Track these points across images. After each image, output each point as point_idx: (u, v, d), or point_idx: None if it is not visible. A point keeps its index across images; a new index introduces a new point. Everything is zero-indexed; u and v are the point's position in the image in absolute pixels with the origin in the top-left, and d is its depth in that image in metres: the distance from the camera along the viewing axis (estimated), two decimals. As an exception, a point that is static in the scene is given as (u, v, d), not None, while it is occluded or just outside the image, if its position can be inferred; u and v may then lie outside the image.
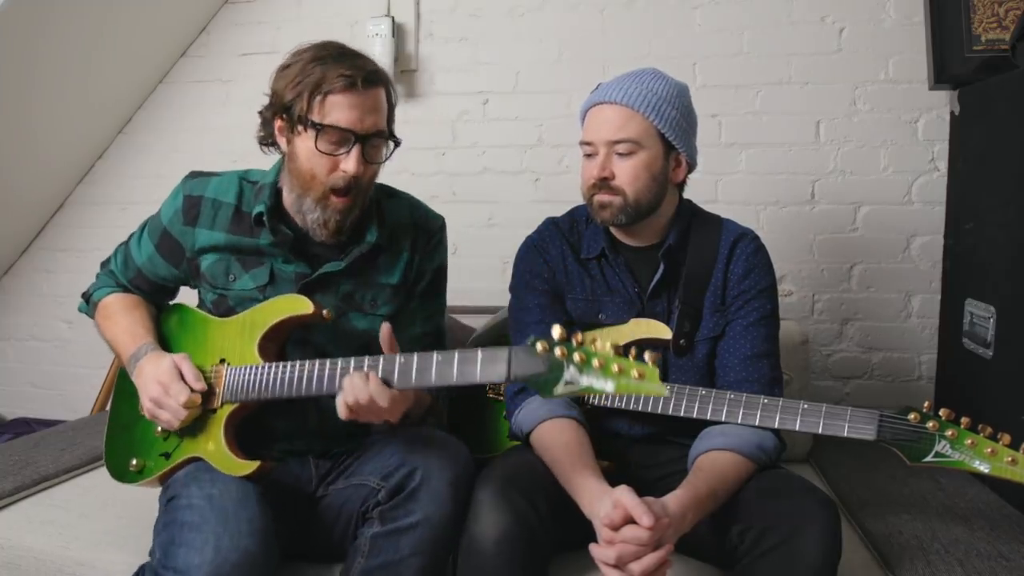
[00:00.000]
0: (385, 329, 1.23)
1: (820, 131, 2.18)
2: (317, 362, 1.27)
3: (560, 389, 1.05)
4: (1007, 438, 1.19)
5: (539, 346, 1.06)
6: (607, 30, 2.27)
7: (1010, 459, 1.18)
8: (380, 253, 1.42)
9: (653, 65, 1.50)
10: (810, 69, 2.17)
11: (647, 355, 1.02)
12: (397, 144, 1.39)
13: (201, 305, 1.47)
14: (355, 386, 1.18)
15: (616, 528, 1.12)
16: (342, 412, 1.21)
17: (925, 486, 1.68)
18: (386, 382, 1.19)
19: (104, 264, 1.55)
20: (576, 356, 1.04)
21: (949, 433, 1.21)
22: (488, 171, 2.37)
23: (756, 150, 2.22)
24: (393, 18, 2.31)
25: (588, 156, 1.45)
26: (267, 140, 1.40)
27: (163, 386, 1.29)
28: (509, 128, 2.34)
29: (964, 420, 1.21)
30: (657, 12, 2.23)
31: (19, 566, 1.45)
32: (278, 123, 1.34)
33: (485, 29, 2.34)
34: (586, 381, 1.03)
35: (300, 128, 1.30)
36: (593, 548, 1.14)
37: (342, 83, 1.27)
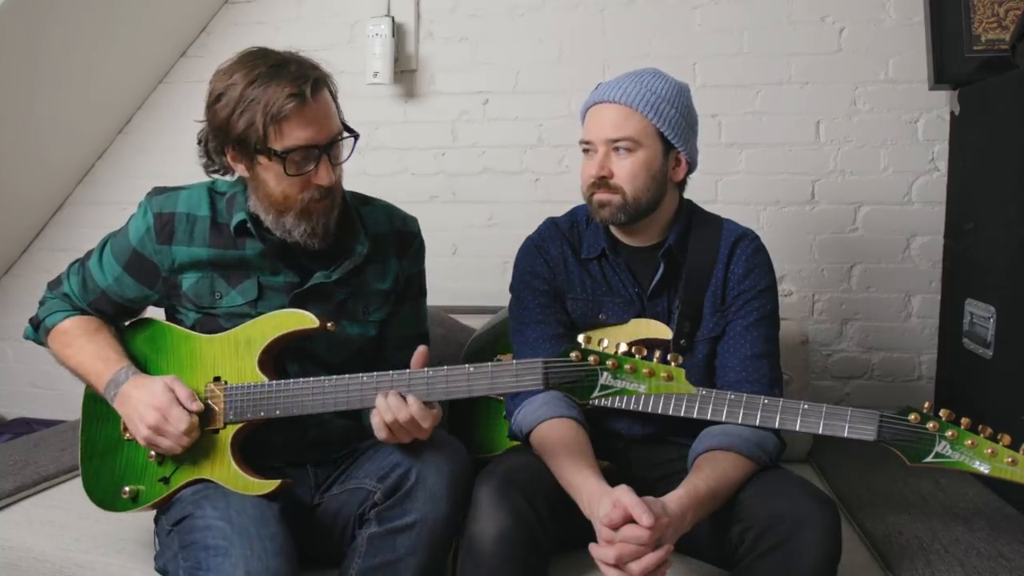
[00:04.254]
0: (420, 353, 1.24)
1: (820, 131, 2.18)
2: (334, 379, 1.25)
3: (596, 393, 1.15)
4: (1007, 439, 1.19)
5: (573, 354, 1.14)
6: (607, 30, 2.27)
7: (1010, 460, 1.18)
8: (368, 263, 1.41)
9: (653, 65, 1.50)
10: (810, 69, 2.17)
11: (670, 356, 1.13)
12: (356, 136, 1.33)
13: (176, 324, 1.40)
14: (393, 407, 1.20)
15: (616, 528, 1.12)
16: (380, 432, 1.22)
17: (925, 486, 1.67)
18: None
19: (53, 286, 1.45)
20: (609, 363, 1.14)
21: (949, 434, 1.21)
22: (488, 171, 2.36)
23: (756, 150, 2.22)
24: (393, 18, 2.31)
25: (587, 155, 1.45)
26: (218, 170, 1.34)
27: (161, 412, 1.24)
28: (509, 128, 2.33)
29: (964, 421, 1.21)
30: (657, 12, 2.23)
31: (19, 566, 1.45)
32: (230, 153, 1.29)
33: (485, 29, 2.33)
34: (620, 384, 1.14)
35: (262, 159, 1.26)
36: (593, 548, 1.15)
37: (293, 104, 1.21)
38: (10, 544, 1.47)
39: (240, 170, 1.31)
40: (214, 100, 1.26)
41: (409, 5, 2.34)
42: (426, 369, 1.22)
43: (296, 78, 1.23)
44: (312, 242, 1.32)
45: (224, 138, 1.27)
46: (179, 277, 1.35)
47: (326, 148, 1.27)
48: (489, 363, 1.19)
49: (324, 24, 2.40)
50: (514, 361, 1.18)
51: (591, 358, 1.13)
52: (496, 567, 1.17)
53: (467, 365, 1.21)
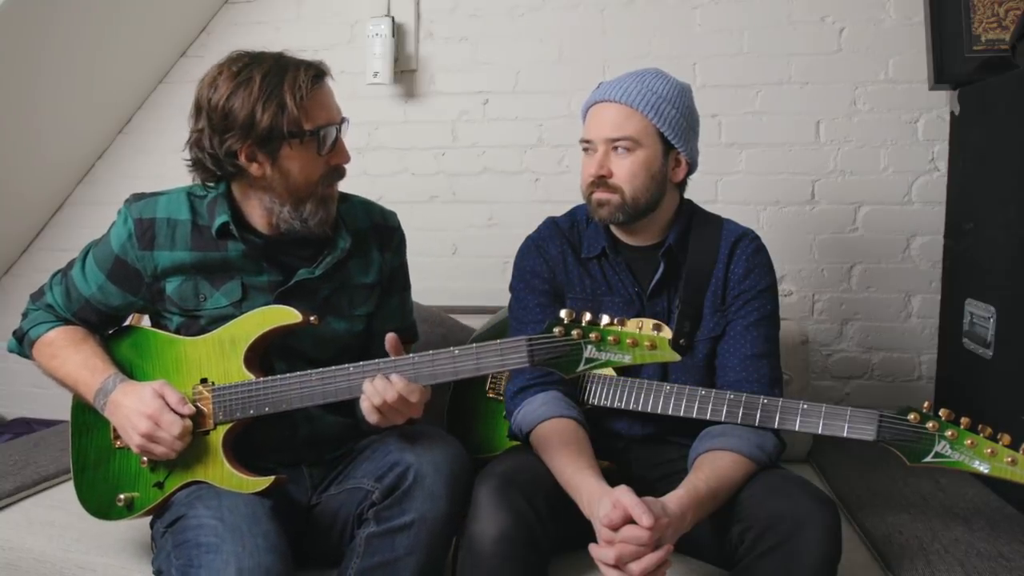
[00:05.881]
0: (391, 340, 1.24)
1: (820, 131, 2.18)
2: (321, 371, 1.26)
3: (581, 367, 1.15)
4: (1007, 438, 1.19)
5: (556, 330, 1.15)
6: (607, 30, 2.27)
7: (1010, 459, 1.18)
8: (350, 258, 1.41)
9: (653, 65, 1.50)
10: (810, 69, 2.17)
11: (654, 325, 1.13)
12: (346, 119, 1.35)
13: (160, 329, 1.39)
14: (380, 388, 1.20)
15: (616, 528, 1.12)
16: (372, 416, 1.22)
17: (925, 486, 1.68)
18: None
19: (36, 297, 1.44)
20: (592, 335, 1.14)
21: (949, 433, 1.21)
22: (488, 171, 2.36)
23: (756, 150, 2.22)
24: (393, 18, 2.31)
25: (587, 154, 1.45)
26: (220, 177, 1.32)
27: (152, 419, 1.24)
28: (509, 128, 2.33)
29: (964, 420, 1.21)
30: (657, 12, 2.23)
31: (19, 567, 1.45)
32: (245, 152, 1.26)
33: (485, 29, 2.33)
34: (604, 356, 1.14)
35: (293, 143, 1.26)
36: (593, 548, 1.15)
37: (317, 83, 1.27)
38: (10, 544, 1.47)
39: (254, 169, 1.28)
40: (225, 101, 1.24)
41: (409, 5, 2.34)
42: (411, 355, 1.23)
43: (307, 63, 1.28)
44: (324, 229, 1.34)
45: (243, 136, 1.25)
46: (163, 282, 1.34)
47: (339, 126, 1.31)
48: (474, 344, 1.20)
49: (324, 24, 2.40)
50: (498, 340, 1.18)
51: (574, 332, 1.14)
52: (496, 567, 1.17)
53: (452, 348, 1.21)
